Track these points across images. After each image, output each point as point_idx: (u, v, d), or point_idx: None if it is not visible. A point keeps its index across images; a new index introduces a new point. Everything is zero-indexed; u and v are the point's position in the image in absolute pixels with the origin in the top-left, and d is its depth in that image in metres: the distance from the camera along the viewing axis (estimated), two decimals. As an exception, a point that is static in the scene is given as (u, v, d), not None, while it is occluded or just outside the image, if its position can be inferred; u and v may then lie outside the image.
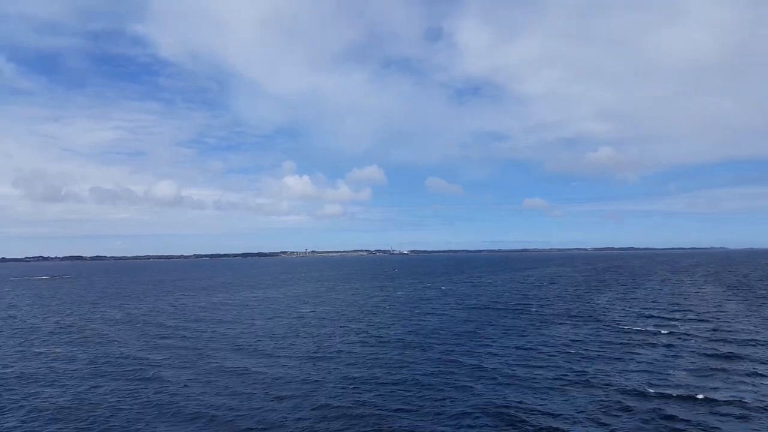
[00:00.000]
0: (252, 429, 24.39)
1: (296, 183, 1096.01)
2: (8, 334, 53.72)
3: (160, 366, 36.92)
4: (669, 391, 28.21)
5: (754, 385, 29.23)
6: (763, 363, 34.29)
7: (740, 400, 26.48)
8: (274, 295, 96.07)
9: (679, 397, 27.24)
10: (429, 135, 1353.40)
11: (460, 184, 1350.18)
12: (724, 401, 26.45)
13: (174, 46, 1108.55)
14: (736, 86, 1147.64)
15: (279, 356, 39.55)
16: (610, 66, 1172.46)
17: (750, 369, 32.73)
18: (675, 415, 24.65)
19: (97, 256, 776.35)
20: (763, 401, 26.35)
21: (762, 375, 31.31)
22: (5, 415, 27.04)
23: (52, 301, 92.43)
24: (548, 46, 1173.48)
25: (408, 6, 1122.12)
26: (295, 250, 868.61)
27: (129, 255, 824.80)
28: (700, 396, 27.31)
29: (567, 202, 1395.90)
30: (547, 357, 37.41)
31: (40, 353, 42.66)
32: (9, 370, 36.97)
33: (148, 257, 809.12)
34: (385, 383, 31.30)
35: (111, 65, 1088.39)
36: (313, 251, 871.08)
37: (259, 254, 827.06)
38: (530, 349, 40.31)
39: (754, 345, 40.02)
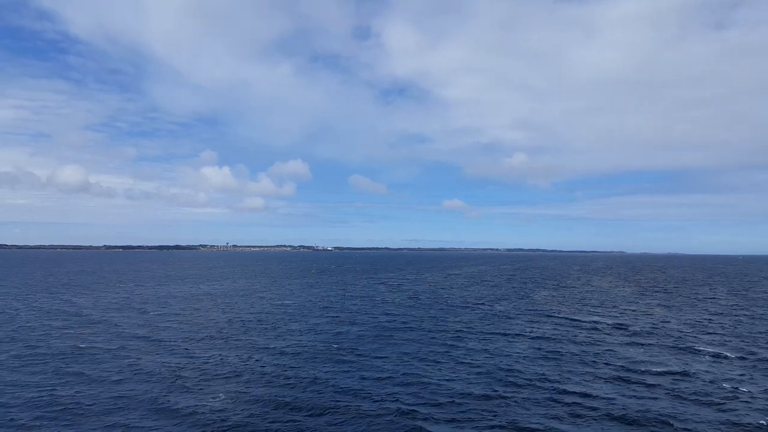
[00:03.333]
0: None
1: (216, 174, 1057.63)
2: None
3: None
4: (631, 372, 33.83)
5: (695, 362, 35.64)
6: (691, 340, 41.32)
7: (679, 373, 32.53)
8: (220, 289, 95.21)
9: (640, 377, 32.83)
10: (355, 133, 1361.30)
11: (384, 182, 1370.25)
12: (675, 376, 32.36)
13: (86, 24, 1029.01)
14: (639, 104, 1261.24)
15: (246, 349, 41.26)
16: (527, 78, 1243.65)
17: (679, 346, 39.51)
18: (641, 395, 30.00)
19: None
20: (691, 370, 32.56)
21: (693, 352, 38.05)
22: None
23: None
24: (471, 55, 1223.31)
25: (338, 2, 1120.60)
26: (215, 244, 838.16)
27: (31, 244, 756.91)
28: (653, 372, 33.09)
29: (483, 205, 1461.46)
30: (519, 348, 42.28)
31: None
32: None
33: (53, 247, 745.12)
34: (354, 370, 34.41)
35: (13, 38, 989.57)
36: (234, 245, 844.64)
37: (177, 247, 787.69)
38: (501, 340, 45.11)
39: (684, 330, 47.52)
